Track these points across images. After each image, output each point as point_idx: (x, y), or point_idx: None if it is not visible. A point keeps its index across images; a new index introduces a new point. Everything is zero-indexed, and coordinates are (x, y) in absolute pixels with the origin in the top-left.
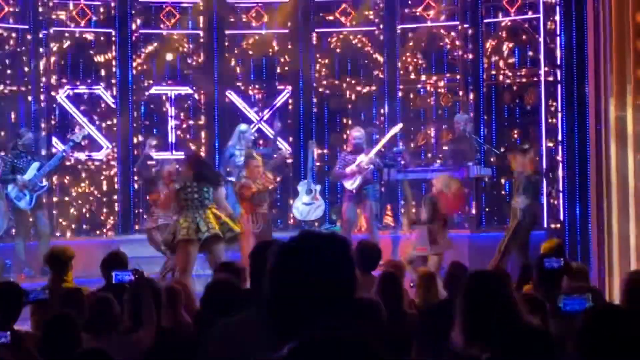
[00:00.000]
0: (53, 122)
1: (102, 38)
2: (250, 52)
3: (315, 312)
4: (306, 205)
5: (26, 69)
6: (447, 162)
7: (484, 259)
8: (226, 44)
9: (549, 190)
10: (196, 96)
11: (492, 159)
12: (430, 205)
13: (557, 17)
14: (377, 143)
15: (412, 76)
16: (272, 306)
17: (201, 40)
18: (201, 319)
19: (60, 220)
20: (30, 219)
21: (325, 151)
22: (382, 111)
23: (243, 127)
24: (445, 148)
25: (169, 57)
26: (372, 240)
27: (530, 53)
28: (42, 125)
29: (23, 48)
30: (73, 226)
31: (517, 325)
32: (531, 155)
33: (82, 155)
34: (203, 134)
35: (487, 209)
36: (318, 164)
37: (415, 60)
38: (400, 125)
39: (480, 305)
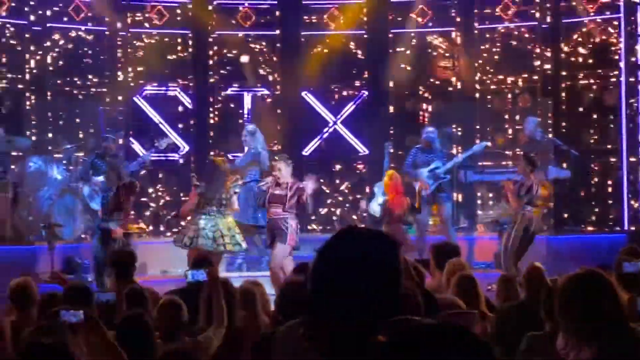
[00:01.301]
0: (131, 124)
1: (178, 39)
2: (327, 53)
3: (354, 310)
4: (381, 207)
5: (107, 72)
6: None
7: (561, 261)
8: (303, 45)
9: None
10: (273, 97)
11: (570, 161)
12: None
13: (639, 17)
14: (452, 154)
15: (489, 77)
16: (311, 303)
17: (277, 41)
18: (277, 320)
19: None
20: None
21: (401, 152)
22: (459, 112)
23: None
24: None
25: (245, 58)
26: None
27: (610, 54)
28: (121, 126)
29: (97, 49)
30: (150, 227)
31: (624, 329)
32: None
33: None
34: (279, 135)
35: (565, 211)
36: (393, 165)
37: (492, 61)
38: (485, 144)
39: (589, 307)
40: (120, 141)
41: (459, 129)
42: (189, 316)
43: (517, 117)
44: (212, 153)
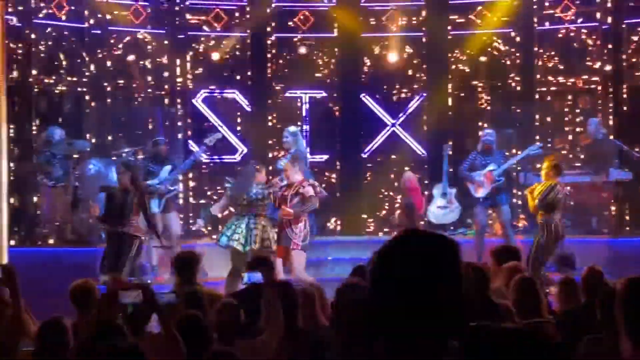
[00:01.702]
0: (189, 126)
1: (236, 42)
2: (384, 56)
3: (413, 312)
4: (441, 209)
5: (166, 73)
6: (586, 166)
7: (622, 264)
8: (362, 46)
9: None
10: (330, 99)
11: (631, 162)
12: None
13: None
14: (511, 156)
15: (550, 78)
16: (369, 305)
17: (335, 43)
18: (333, 322)
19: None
20: (161, 222)
21: (460, 155)
22: (518, 114)
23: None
24: (580, 151)
25: (302, 60)
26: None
27: None
28: (179, 129)
29: (156, 52)
30: (209, 227)
31: None
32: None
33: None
34: (338, 137)
35: (627, 214)
36: (451, 169)
37: (553, 61)
38: (538, 145)
39: None
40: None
41: (518, 131)
42: (250, 318)
43: (578, 119)
44: (270, 155)
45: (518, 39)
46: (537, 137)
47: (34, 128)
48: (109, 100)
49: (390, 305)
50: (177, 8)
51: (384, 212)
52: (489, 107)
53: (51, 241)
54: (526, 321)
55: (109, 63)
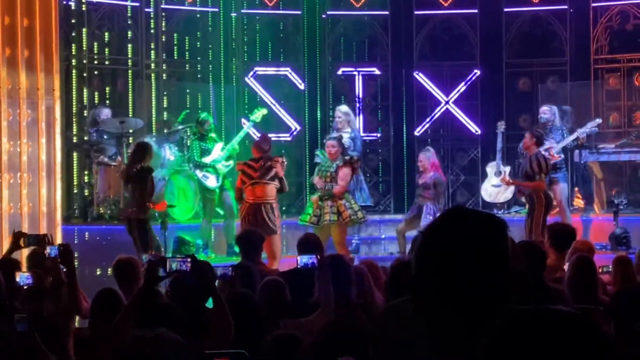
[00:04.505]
0: (241, 103)
1: (290, 20)
2: (438, 32)
3: (459, 291)
4: (495, 187)
5: (219, 53)
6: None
7: None
8: (414, 24)
9: None
10: (384, 77)
11: None
12: None
13: None
14: (570, 132)
15: (604, 55)
16: (415, 284)
17: (389, 21)
18: (387, 299)
19: None
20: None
21: (514, 132)
22: (573, 91)
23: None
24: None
25: (356, 38)
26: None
27: None
28: (231, 106)
29: (209, 29)
30: None
31: None
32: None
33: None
34: (391, 115)
35: None
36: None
37: (608, 39)
38: (598, 121)
39: None
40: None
41: (573, 108)
42: (300, 297)
43: (634, 97)
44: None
45: (570, 15)
46: (592, 115)
47: (85, 106)
48: (164, 77)
49: (434, 284)
50: None
51: None
52: (543, 85)
53: (105, 219)
54: (577, 306)
55: (162, 41)
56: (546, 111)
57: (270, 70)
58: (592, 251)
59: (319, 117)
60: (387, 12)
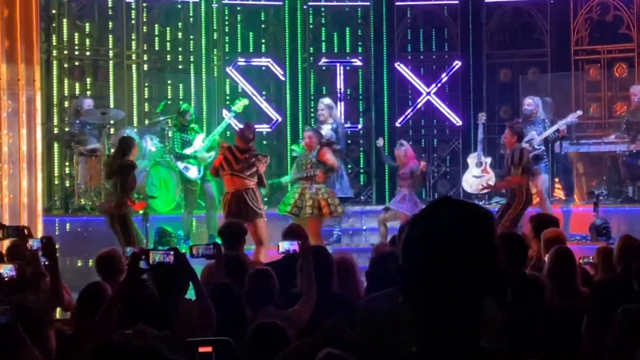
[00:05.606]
0: (222, 94)
1: (271, 11)
2: (420, 24)
3: (444, 282)
4: (476, 178)
5: (203, 41)
6: (622, 135)
7: None
8: (395, 15)
9: None
10: (365, 68)
11: None
12: None
13: None
14: (551, 124)
15: (585, 46)
16: (401, 274)
17: (370, 12)
18: (367, 289)
19: None
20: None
21: (495, 123)
22: (554, 82)
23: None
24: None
25: (337, 29)
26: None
27: None
28: (213, 97)
29: (190, 21)
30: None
31: None
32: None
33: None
34: (372, 106)
35: None
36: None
37: (588, 30)
38: (579, 113)
39: None
40: None
41: (554, 99)
42: (286, 287)
43: (614, 88)
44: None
45: (551, 7)
46: (573, 106)
47: (66, 97)
48: (145, 69)
49: (420, 274)
50: None
51: None
52: (523, 76)
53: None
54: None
55: (146, 31)
56: (530, 103)
57: (252, 61)
58: (564, 240)
59: (300, 108)
60: (368, 3)
